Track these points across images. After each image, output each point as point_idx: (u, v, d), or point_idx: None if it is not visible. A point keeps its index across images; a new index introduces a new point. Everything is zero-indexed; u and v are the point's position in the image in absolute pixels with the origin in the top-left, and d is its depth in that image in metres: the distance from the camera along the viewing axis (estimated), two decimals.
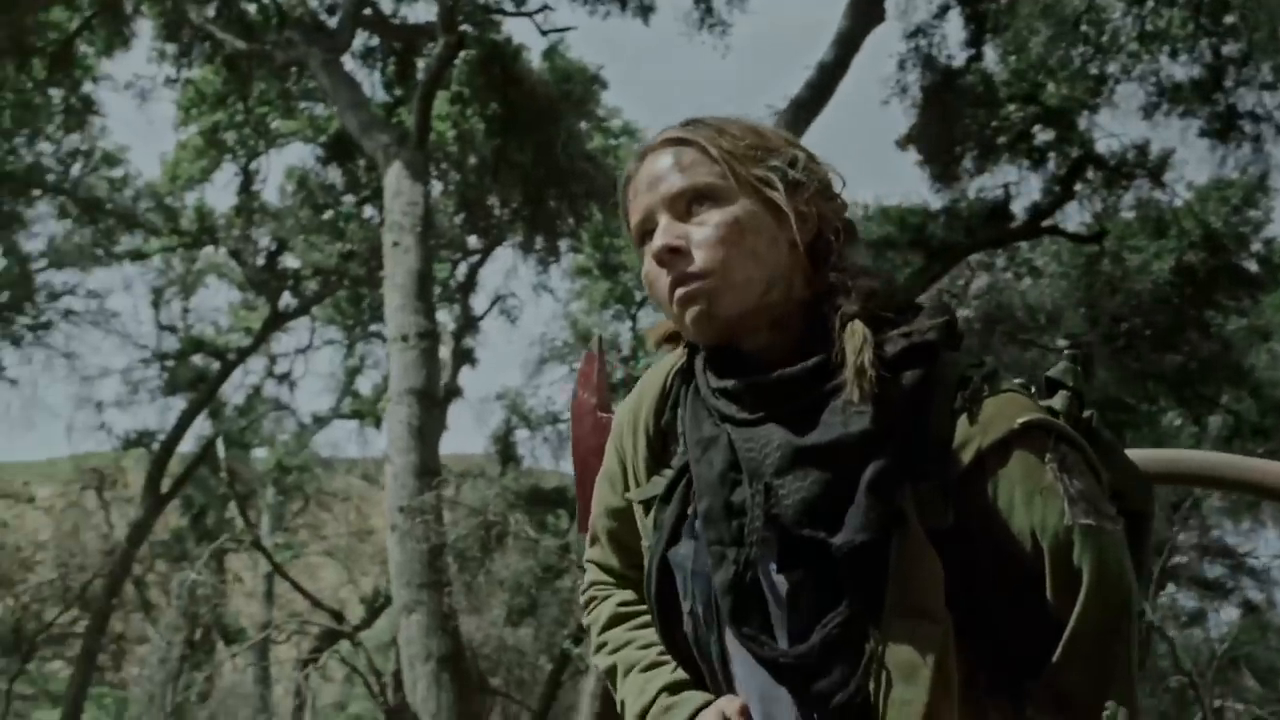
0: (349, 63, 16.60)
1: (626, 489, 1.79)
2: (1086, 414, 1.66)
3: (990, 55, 15.36)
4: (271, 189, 20.70)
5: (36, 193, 17.11)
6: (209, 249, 20.15)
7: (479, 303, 21.52)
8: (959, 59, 15.45)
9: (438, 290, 20.44)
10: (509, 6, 16.18)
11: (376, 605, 19.80)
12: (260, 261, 19.47)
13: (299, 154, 18.66)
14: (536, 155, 16.39)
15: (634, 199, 1.69)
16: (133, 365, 21.32)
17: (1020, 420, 1.54)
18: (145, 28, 16.44)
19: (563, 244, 18.85)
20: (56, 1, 15.03)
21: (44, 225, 19.14)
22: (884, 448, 1.52)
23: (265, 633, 18.93)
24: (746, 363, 1.63)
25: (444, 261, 19.79)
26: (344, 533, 24.80)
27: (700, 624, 1.63)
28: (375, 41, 16.84)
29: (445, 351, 18.62)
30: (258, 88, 17.19)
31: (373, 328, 20.72)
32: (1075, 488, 1.52)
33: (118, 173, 17.88)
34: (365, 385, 22.75)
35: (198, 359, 21.09)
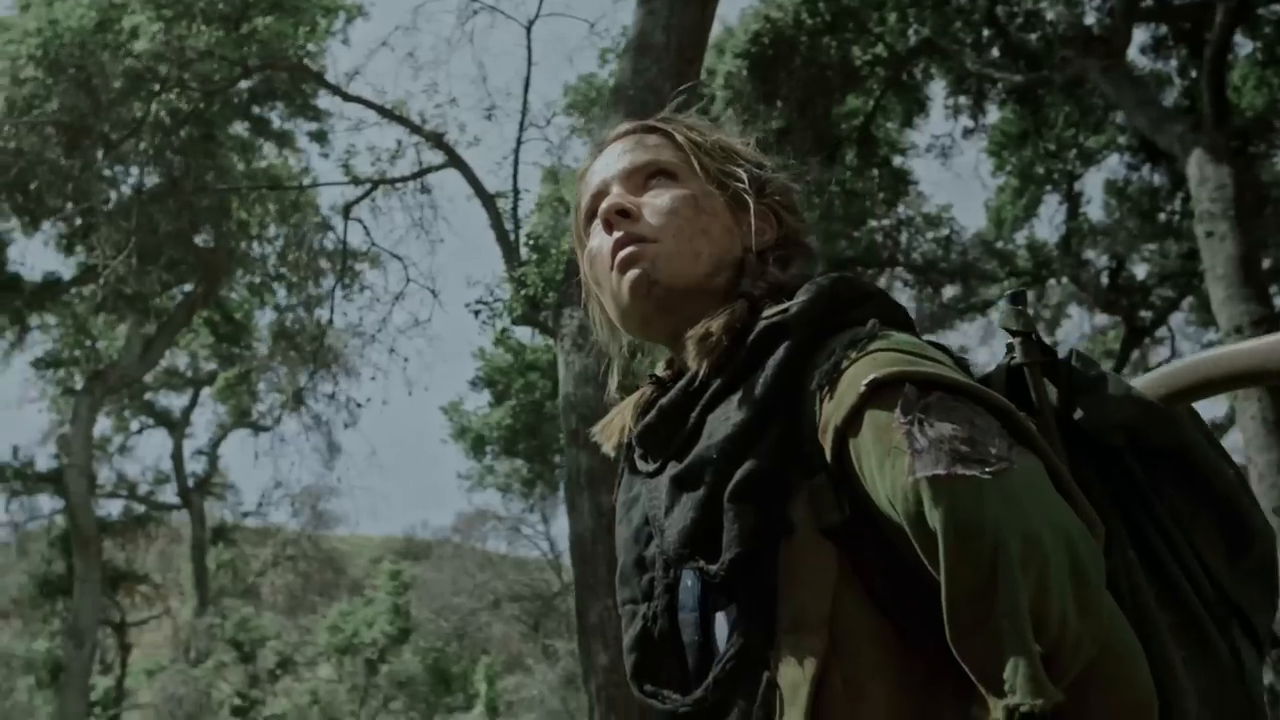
0: (1141, 59, 15.95)
1: None
2: (1067, 353, 1.40)
3: None
4: (1096, 207, 20.19)
5: (872, 271, 18.23)
6: (1051, 282, 20.11)
7: None
8: None
9: None
10: None
11: None
12: (1104, 281, 19.04)
13: (1115, 166, 18.06)
14: None
15: (588, 181, 1.55)
16: None
17: (865, 381, 1.23)
18: (935, 90, 17.05)
19: None
20: (849, 91, 16.09)
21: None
22: (753, 450, 1.30)
23: None
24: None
25: None
26: None
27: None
28: (1163, 30, 15.98)
29: None
30: (1059, 112, 17.03)
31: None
32: (927, 436, 1.18)
33: (942, 232, 18.53)
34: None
35: None
